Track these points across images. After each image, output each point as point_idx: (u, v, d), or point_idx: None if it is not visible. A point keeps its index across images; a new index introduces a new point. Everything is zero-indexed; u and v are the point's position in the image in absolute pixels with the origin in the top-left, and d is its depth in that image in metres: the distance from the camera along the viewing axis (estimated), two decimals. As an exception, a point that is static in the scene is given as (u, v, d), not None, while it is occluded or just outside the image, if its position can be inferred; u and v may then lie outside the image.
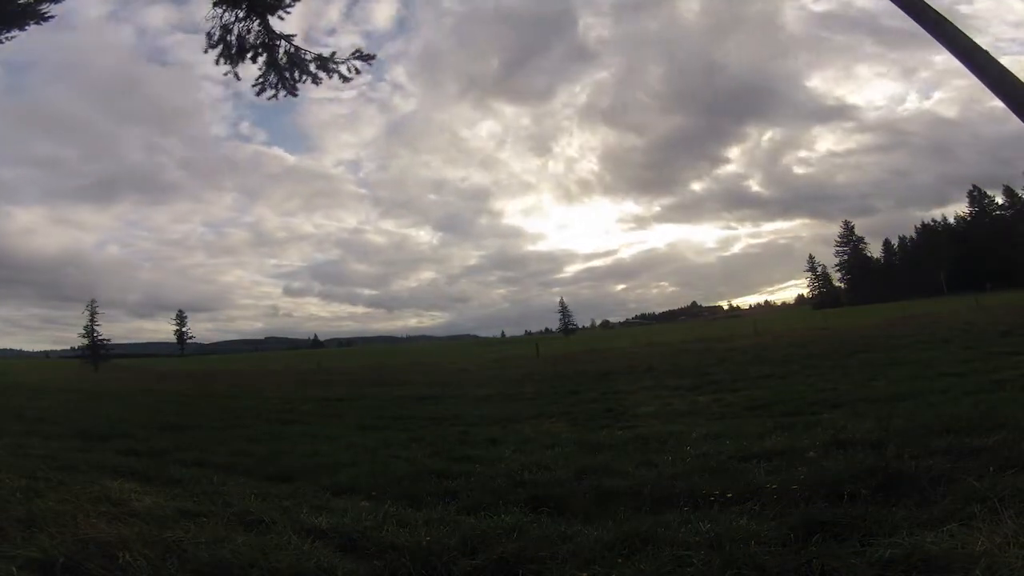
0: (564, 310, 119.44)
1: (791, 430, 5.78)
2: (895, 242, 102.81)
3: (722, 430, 6.21)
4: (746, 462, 4.70)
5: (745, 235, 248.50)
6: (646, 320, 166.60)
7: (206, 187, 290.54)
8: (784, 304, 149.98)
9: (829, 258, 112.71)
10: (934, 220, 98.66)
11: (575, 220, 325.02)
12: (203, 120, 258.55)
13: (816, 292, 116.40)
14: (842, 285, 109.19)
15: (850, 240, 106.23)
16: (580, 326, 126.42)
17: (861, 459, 4.21)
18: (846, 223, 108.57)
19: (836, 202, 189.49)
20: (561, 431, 7.64)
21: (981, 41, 5.31)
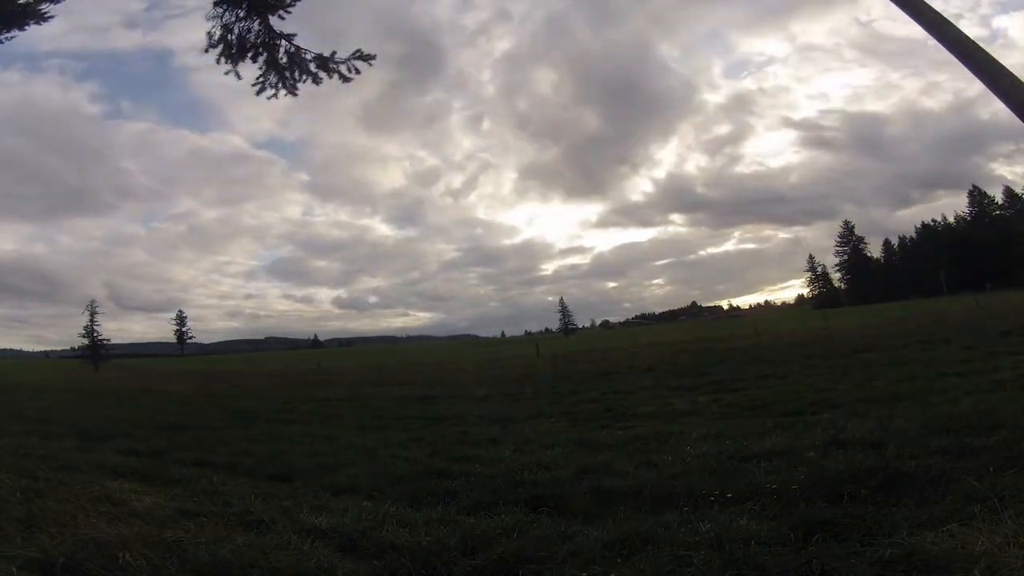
0: (564, 310, 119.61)
1: (791, 430, 5.77)
2: (895, 242, 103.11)
3: (722, 430, 6.20)
4: (746, 462, 4.69)
5: (705, 238, 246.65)
6: (646, 320, 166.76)
7: (108, 182, 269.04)
8: (784, 304, 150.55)
9: (801, 261, 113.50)
10: (934, 220, 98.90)
11: (541, 216, 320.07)
12: (71, 101, 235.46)
13: (816, 292, 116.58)
14: (842, 285, 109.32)
15: (850, 240, 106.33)
16: (580, 326, 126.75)
17: (861, 459, 4.21)
18: (846, 223, 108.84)
19: (791, 204, 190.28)
20: (561, 431, 7.62)
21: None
